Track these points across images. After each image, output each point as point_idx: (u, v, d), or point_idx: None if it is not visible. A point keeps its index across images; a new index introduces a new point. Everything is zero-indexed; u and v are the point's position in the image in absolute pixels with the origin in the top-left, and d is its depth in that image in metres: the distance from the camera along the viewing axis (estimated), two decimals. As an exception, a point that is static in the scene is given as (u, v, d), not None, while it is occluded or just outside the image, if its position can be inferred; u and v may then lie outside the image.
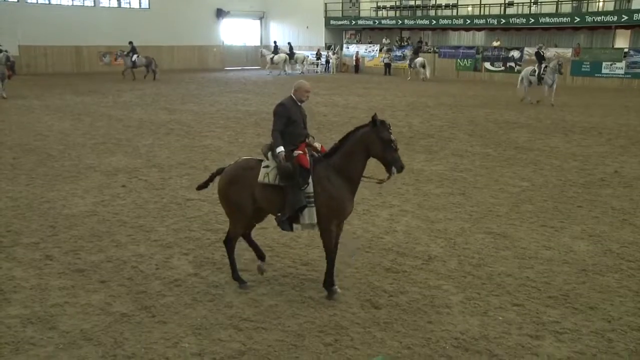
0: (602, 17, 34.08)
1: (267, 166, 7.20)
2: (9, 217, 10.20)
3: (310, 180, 7.01)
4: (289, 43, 42.36)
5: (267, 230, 9.64)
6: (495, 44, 38.02)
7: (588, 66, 33.78)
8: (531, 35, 37.07)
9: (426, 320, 6.73)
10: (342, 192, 7.07)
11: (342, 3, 45.00)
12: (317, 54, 43.13)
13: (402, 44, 42.04)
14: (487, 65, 37.18)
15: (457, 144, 16.70)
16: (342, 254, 7.71)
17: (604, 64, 33.33)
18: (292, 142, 7.21)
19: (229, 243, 7.59)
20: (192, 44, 42.33)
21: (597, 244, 9.12)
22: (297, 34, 45.70)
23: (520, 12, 37.02)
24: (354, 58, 42.62)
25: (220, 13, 44.33)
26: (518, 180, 12.34)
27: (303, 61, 38.74)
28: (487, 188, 11.98)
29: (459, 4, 39.92)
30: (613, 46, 34.86)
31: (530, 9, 36.80)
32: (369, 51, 42.63)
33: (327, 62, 42.76)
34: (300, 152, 7.12)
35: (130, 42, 33.10)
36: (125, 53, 33.06)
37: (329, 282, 7.24)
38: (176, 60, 41.63)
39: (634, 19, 32.72)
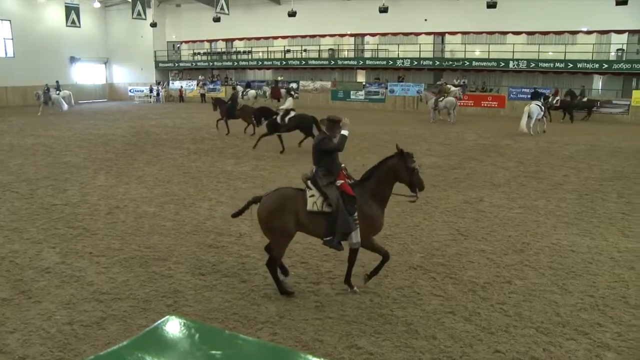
0: (348, 61, 36.58)
1: (312, 195, 6.12)
2: None
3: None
4: (57, 81, 36.07)
5: (116, 224, 9.19)
6: (279, 78, 38.65)
7: (342, 94, 35.38)
8: (303, 72, 38.15)
9: (240, 280, 6.75)
10: (378, 213, 6.28)
11: (167, 50, 43.74)
12: (149, 88, 41.42)
13: (213, 79, 41.55)
14: (275, 93, 37.91)
15: (257, 151, 16.77)
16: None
17: (351, 92, 35.21)
18: (332, 172, 6.22)
19: (272, 265, 6.33)
20: (51, 83, 38.84)
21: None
22: (134, 73, 43.75)
23: (295, 57, 38.05)
24: (179, 91, 41.40)
25: (73, 59, 41.50)
26: (299, 175, 12.64)
27: (69, 97, 34.39)
28: (279, 181, 12.08)
29: (252, 51, 40.34)
30: (356, 80, 37.00)
31: (302, 55, 37.99)
32: (189, 85, 41.62)
33: (158, 94, 41.14)
34: (342, 181, 6.20)
35: None
36: None
37: (349, 280, 6.47)
38: (39, 97, 38.04)
39: (367, 63, 35.69)
